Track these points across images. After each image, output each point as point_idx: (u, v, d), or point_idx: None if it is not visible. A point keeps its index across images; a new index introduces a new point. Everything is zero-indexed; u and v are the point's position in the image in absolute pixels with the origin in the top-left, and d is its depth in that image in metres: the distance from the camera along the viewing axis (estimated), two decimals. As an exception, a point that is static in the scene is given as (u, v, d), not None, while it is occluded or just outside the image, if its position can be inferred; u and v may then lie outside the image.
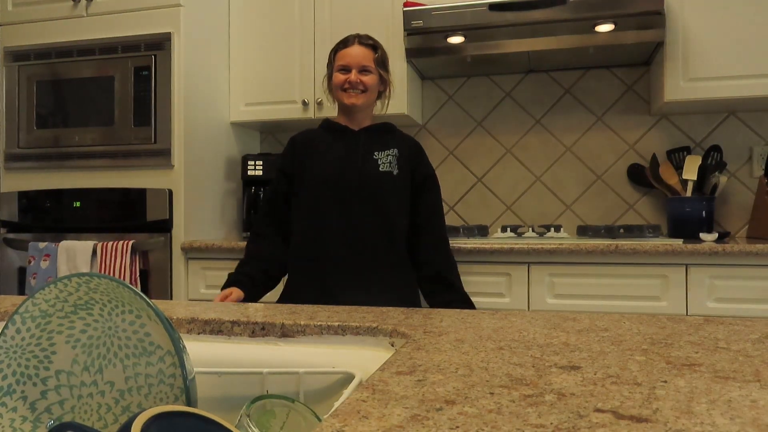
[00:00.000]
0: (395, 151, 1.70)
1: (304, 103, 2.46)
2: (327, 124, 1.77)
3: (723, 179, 2.24)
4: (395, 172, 1.67)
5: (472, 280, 1.98)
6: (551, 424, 0.38)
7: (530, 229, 2.33)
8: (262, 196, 2.54)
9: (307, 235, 1.65)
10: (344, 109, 1.73)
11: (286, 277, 1.72)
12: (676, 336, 0.65)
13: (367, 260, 1.62)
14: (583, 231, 2.19)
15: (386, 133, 1.74)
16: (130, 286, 0.58)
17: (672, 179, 2.30)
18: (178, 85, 2.22)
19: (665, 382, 0.48)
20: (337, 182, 1.64)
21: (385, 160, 1.68)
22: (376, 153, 1.68)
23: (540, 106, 2.58)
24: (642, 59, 2.39)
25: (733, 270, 1.83)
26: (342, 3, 2.45)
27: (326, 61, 2.48)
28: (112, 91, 2.27)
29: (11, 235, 2.33)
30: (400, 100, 2.37)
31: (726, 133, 2.39)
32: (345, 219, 1.63)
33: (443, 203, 1.68)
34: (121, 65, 2.26)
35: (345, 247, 1.61)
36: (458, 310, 0.84)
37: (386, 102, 1.79)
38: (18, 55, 2.38)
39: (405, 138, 1.76)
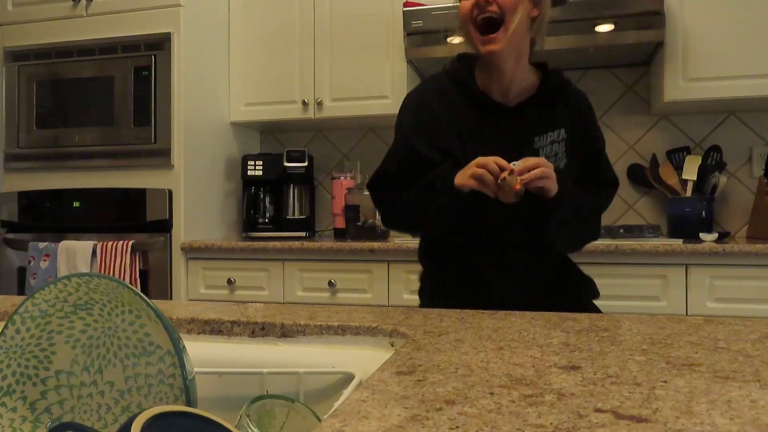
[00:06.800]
0: (562, 132, 1.21)
1: (304, 103, 2.46)
2: (466, 83, 1.23)
3: (723, 179, 2.24)
4: (562, 163, 1.20)
5: (472, 280, 1.98)
6: (551, 424, 0.38)
7: (530, 229, 2.33)
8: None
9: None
10: (484, 62, 1.21)
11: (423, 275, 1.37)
12: (676, 336, 0.65)
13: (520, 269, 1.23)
14: (583, 231, 2.19)
15: (551, 102, 1.23)
16: (130, 286, 0.58)
17: (672, 179, 2.30)
18: (178, 85, 2.22)
19: (665, 382, 0.48)
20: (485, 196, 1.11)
21: (550, 150, 1.20)
22: (536, 140, 1.20)
23: (540, 106, 2.58)
24: (642, 59, 2.39)
25: (733, 270, 1.82)
26: (342, 3, 2.44)
27: (326, 61, 2.44)
28: (111, 91, 2.27)
29: (11, 235, 2.33)
30: (400, 100, 2.37)
31: (726, 134, 2.39)
32: (496, 236, 1.21)
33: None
34: (121, 65, 2.26)
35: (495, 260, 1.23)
36: (458, 310, 0.83)
37: (541, 34, 1.24)
38: (18, 55, 2.38)
39: (572, 104, 1.25)
